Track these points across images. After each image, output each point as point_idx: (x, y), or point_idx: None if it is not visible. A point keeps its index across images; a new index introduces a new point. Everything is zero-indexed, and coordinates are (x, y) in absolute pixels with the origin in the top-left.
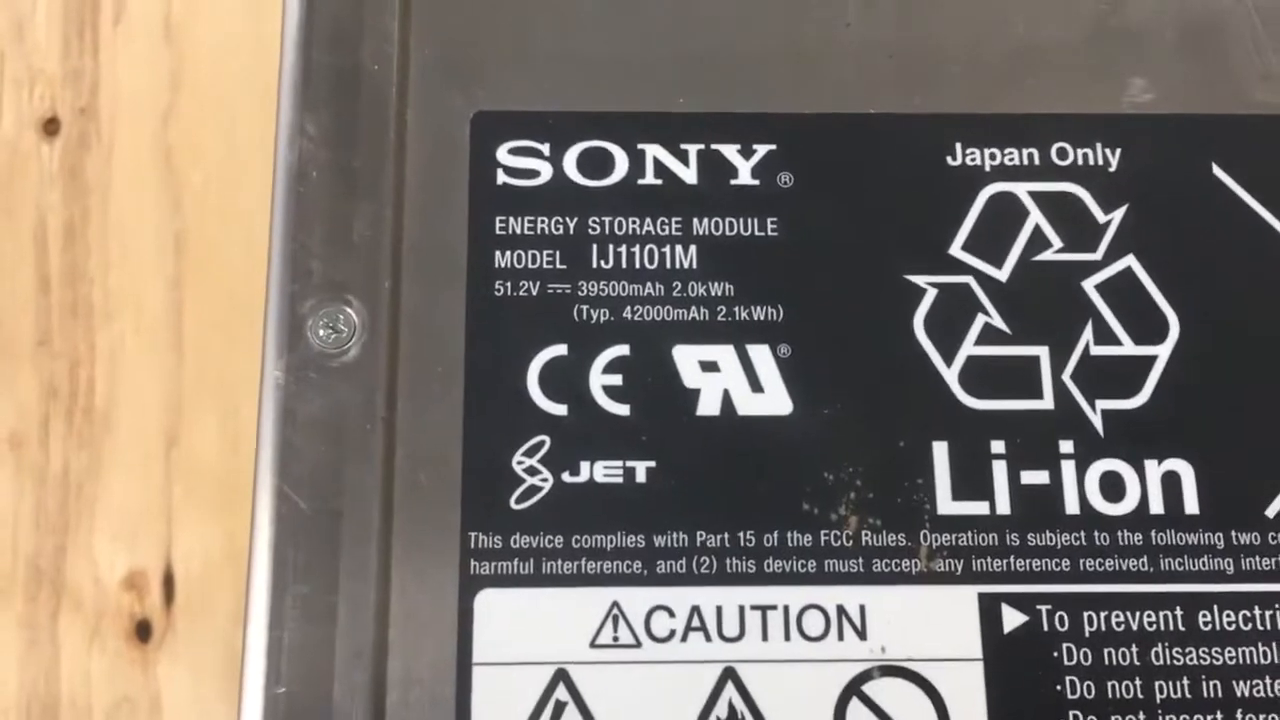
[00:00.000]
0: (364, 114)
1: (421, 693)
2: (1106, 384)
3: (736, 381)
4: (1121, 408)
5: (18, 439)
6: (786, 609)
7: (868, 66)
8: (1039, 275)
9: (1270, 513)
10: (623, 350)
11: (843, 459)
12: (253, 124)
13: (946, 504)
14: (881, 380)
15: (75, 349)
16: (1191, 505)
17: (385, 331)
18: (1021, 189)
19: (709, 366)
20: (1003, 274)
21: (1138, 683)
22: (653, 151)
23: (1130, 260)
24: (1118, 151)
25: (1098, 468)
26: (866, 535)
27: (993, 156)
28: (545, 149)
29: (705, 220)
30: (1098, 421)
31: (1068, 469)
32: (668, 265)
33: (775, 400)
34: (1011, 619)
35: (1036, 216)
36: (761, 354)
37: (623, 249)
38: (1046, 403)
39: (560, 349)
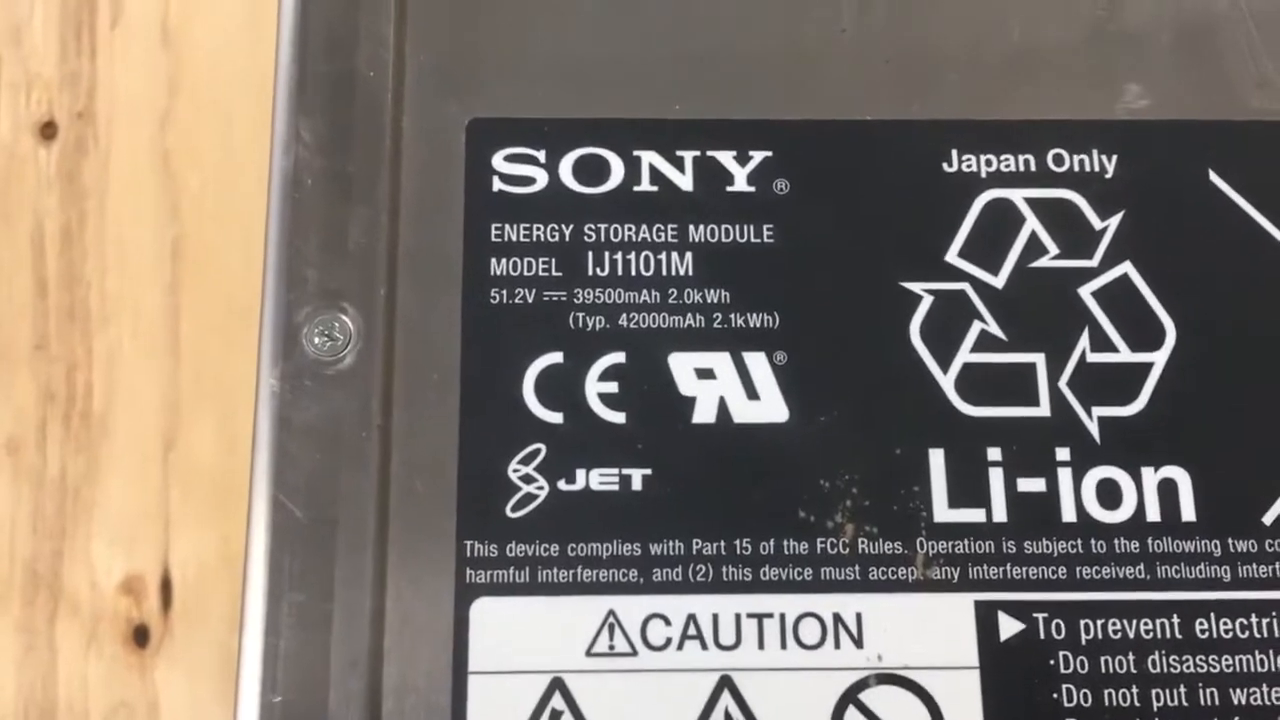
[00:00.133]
0: (359, 120)
1: (417, 701)
2: (1103, 391)
3: (732, 389)
4: (1118, 415)
5: (15, 443)
6: (783, 617)
7: (863, 73)
8: (1035, 282)
9: (1267, 520)
10: (618, 358)
11: (839, 466)
12: (250, 128)
13: (943, 511)
14: (878, 387)
15: (72, 353)
16: (1188, 513)
17: (381, 339)
18: (1018, 195)
19: (705, 374)
20: (999, 281)
21: (1135, 691)
22: (648, 158)
23: (1127, 267)
24: (1114, 158)
25: (1094, 475)
26: (863, 543)
27: (989, 163)
28: (541, 156)
29: (701, 227)
30: (1094, 429)
31: (1064, 476)
32: (663, 272)
33: (771, 407)
34: (1008, 627)
35: (1033, 223)
36: (758, 361)
37: (618, 256)
38: (1043, 410)
39: (556, 356)
